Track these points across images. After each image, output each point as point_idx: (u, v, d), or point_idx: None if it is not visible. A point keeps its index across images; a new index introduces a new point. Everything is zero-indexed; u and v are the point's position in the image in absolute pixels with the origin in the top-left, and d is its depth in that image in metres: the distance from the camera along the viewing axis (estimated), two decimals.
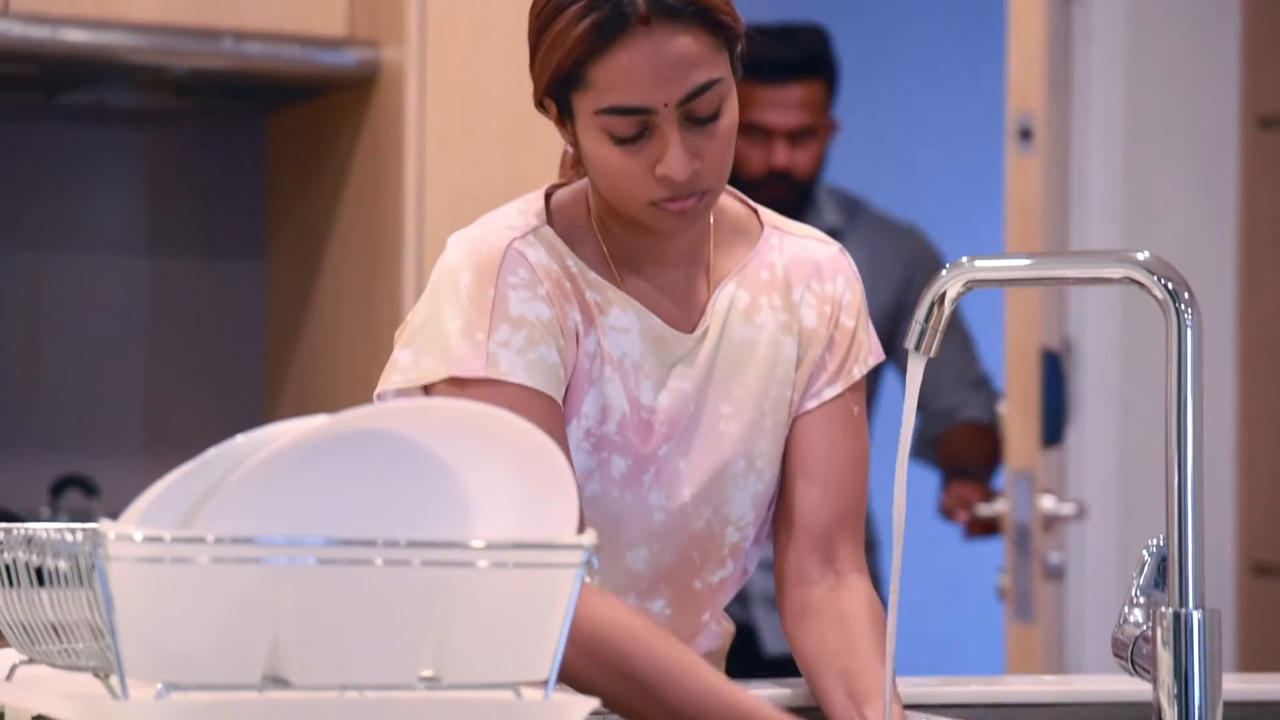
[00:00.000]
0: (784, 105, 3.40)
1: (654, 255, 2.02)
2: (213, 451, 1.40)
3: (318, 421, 1.40)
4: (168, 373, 3.63)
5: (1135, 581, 1.65)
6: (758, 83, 3.38)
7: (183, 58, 3.20)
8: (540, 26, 1.93)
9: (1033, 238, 3.54)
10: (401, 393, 1.97)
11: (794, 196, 3.43)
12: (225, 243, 3.66)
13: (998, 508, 3.48)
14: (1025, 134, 4.00)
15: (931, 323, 1.67)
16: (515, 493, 1.46)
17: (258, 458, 1.39)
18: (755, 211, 2.11)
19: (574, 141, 1.96)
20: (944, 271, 1.67)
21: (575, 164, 2.08)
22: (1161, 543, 1.65)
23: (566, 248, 2.00)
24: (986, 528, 3.48)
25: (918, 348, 1.68)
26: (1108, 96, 4.26)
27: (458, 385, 1.93)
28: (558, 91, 1.93)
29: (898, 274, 3.52)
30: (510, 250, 1.97)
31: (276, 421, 3.62)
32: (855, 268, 2.10)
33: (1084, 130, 4.28)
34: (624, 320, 2.00)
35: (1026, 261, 1.68)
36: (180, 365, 3.64)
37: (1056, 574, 3.57)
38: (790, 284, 2.06)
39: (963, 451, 3.57)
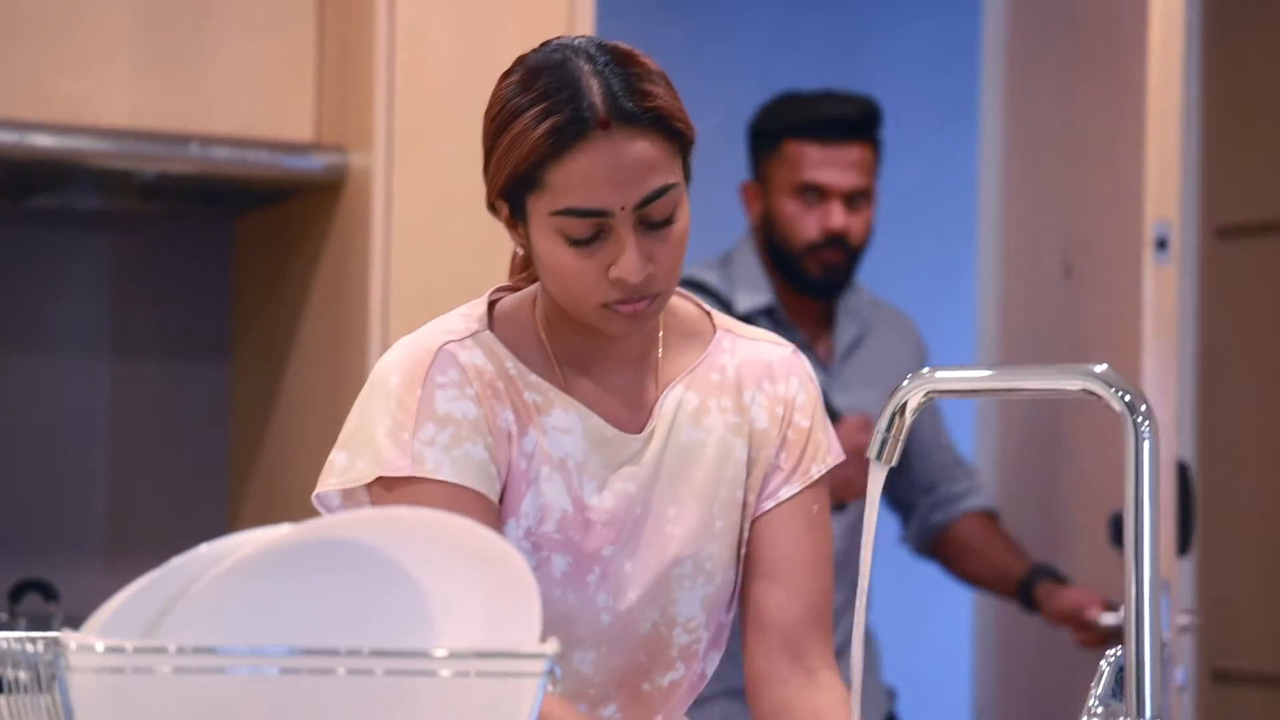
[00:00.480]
0: (842, 165, 3.39)
1: (601, 357, 2.04)
2: (176, 561, 1.41)
3: (281, 531, 1.41)
4: (130, 476, 3.63)
5: (1093, 691, 1.66)
6: (817, 142, 3.40)
7: (150, 162, 3.22)
8: (496, 129, 1.96)
9: (1169, 348, 3.46)
10: (349, 492, 2.00)
11: (848, 261, 3.43)
12: (190, 346, 3.67)
13: (1109, 619, 3.33)
14: (1162, 244, 3.91)
15: (893, 433, 1.68)
16: (478, 600, 1.46)
17: (221, 567, 1.39)
18: (708, 314, 2.12)
19: (525, 243, 1.98)
20: (905, 382, 1.69)
21: (524, 266, 2.10)
22: (1119, 653, 1.65)
23: (507, 351, 2.02)
24: (1103, 639, 3.31)
25: (879, 457, 1.69)
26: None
27: (386, 486, 1.96)
28: (512, 193, 1.95)
29: (911, 357, 3.51)
30: (441, 352, 1.99)
31: (239, 526, 3.63)
32: (810, 369, 2.11)
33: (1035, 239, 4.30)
34: (566, 421, 2.01)
35: (987, 373, 1.70)
36: (143, 469, 3.64)
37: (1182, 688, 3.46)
38: (741, 386, 2.07)
39: (981, 543, 3.51)
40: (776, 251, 3.39)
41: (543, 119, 1.91)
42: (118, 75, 3.27)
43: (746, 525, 2.07)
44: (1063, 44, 3.69)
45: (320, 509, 2.03)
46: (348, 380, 3.24)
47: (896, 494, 3.55)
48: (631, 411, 2.05)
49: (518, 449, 1.99)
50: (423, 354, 1.99)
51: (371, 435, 1.97)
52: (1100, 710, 1.66)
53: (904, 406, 1.68)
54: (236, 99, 3.32)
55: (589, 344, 2.03)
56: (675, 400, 2.05)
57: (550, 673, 1.46)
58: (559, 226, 1.92)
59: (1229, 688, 4.09)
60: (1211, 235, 4.31)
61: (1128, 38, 3.41)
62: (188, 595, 1.39)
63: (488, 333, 2.02)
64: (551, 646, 1.45)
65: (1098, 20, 3.54)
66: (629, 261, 1.92)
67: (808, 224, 3.37)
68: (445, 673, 1.44)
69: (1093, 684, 1.66)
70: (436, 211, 3.19)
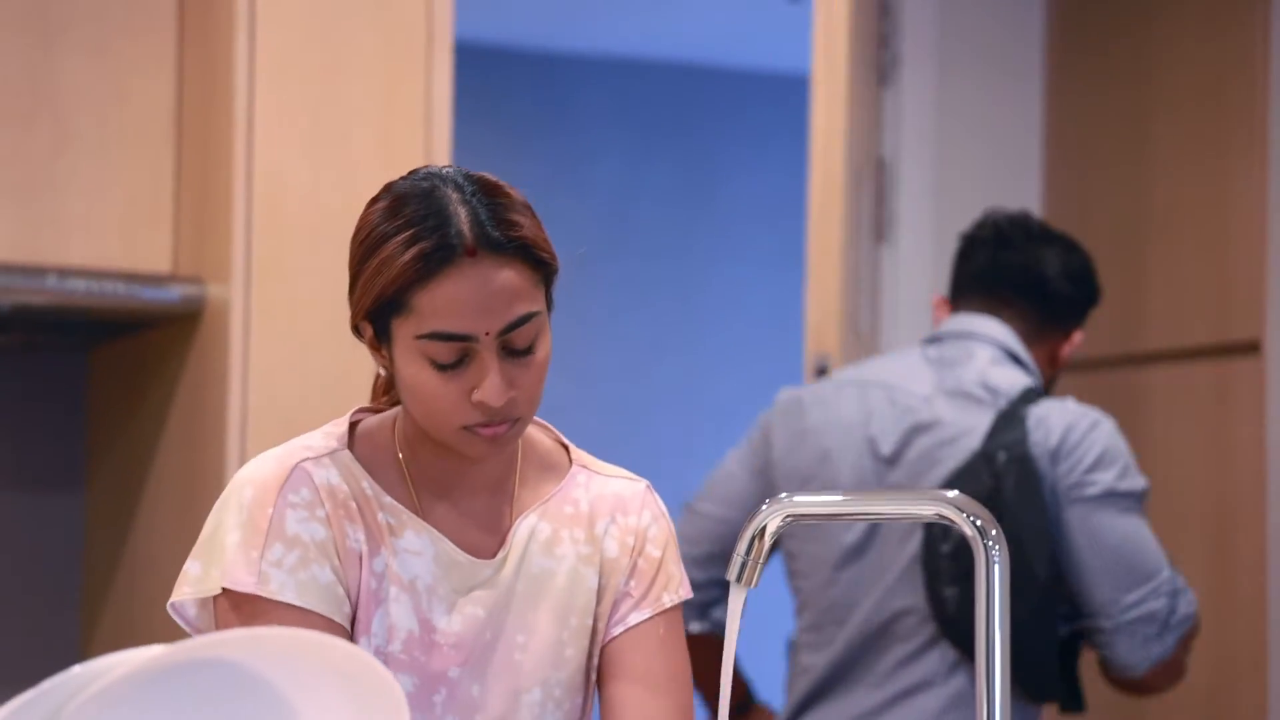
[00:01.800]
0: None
1: (458, 481, 2.07)
2: (49, 682, 1.42)
3: (154, 651, 1.43)
4: None
5: None
6: (1079, 328, 3.39)
7: (6, 294, 3.21)
8: (364, 253, 1.99)
9: None
10: (201, 605, 2.02)
11: None
12: (43, 477, 3.65)
13: None
14: (821, 372, 4.11)
15: (752, 555, 1.73)
16: (349, 715, 1.48)
17: (95, 687, 1.41)
18: (566, 448, 2.17)
19: (388, 365, 2.01)
20: (764, 506, 1.73)
21: (386, 389, 2.14)
22: None
23: (363, 471, 2.05)
24: None
25: (739, 579, 1.73)
26: (914, 336, 4.39)
27: (231, 599, 1.98)
28: (377, 316, 1.99)
29: None
30: (297, 470, 2.02)
31: (91, 655, 3.58)
32: (663, 507, 2.16)
33: None
34: (417, 544, 2.04)
35: (842, 497, 1.76)
36: None
37: None
38: (594, 518, 2.12)
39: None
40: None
41: (410, 245, 1.94)
42: None
43: (596, 652, 2.10)
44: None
45: (176, 618, 2.05)
46: (201, 511, 3.22)
47: None
48: (485, 537, 2.08)
49: (368, 569, 2.02)
50: (278, 470, 2.02)
51: (222, 545, 2.00)
52: None
53: (763, 530, 1.72)
54: (93, 230, 3.34)
55: (447, 467, 2.06)
56: (528, 529, 2.09)
57: None
58: (423, 350, 1.96)
59: None
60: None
61: None
62: (62, 716, 1.40)
63: (346, 452, 2.05)
64: None
65: None
66: (491, 386, 1.96)
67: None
68: None
69: None
70: (294, 342, 3.21)
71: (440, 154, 3.28)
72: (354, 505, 2.02)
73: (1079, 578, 3.17)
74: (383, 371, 2.07)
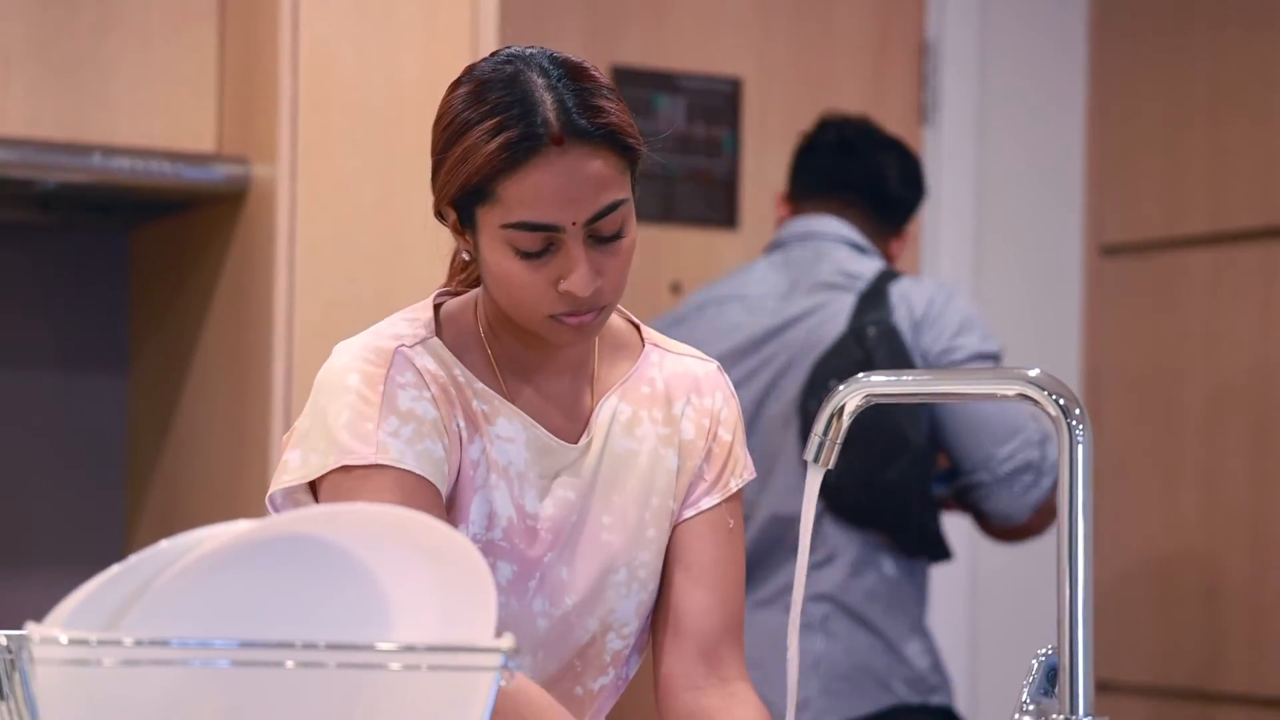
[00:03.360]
0: None
1: (541, 365, 2.05)
2: (136, 557, 1.41)
3: (241, 527, 1.42)
4: (26, 489, 3.59)
5: (1024, 689, 1.69)
6: (908, 226, 3.60)
7: (51, 172, 3.20)
8: (447, 140, 1.96)
9: None
10: (290, 492, 1.99)
11: None
12: (85, 358, 3.64)
13: None
14: (676, 290, 4.14)
15: (830, 435, 1.71)
16: (435, 596, 1.48)
17: (182, 563, 1.40)
18: (637, 327, 2.16)
19: (472, 251, 1.99)
20: (842, 386, 1.72)
21: (463, 268, 2.12)
22: (1051, 651, 1.69)
23: (454, 358, 2.03)
24: None
25: (816, 459, 1.72)
26: (958, 221, 4.37)
27: (347, 473, 1.95)
28: (462, 203, 1.96)
29: None
30: (398, 354, 2.00)
31: (136, 540, 3.60)
32: (731, 387, 2.15)
33: (934, 255, 4.37)
34: (510, 430, 2.02)
35: (925, 376, 1.74)
36: (37, 483, 3.60)
37: None
38: (671, 398, 2.10)
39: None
40: None
41: (495, 134, 1.91)
42: (17, 86, 3.25)
43: (670, 531, 2.10)
44: None
45: (271, 510, 2.02)
46: (250, 393, 3.23)
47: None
48: (569, 420, 2.07)
49: (466, 456, 2.00)
50: (378, 355, 2.00)
51: (328, 430, 1.97)
52: (1032, 708, 1.69)
53: (841, 409, 1.71)
54: (137, 110, 3.31)
55: (530, 352, 2.05)
56: (610, 410, 2.08)
57: (505, 668, 1.47)
58: (509, 239, 1.93)
59: (1111, 698, 4.16)
60: (1096, 253, 4.39)
61: None
62: (149, 591, 1.40)
63: (435, 339, 2.03)
64: (507, 641, 1.47)
65: None
66: (579, 277, 1.93)
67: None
68: (396, 666, 1.45)
69: (1023, 681, 1.70)
70: (341, 222, 3.19)
71: (488, 27, 3.25)
72: (452, 392, 2.01)
73: (955, 439, 3.31)
74: (466, 255, 2.04)
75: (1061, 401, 1.66)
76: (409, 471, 1.95)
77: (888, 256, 3.51)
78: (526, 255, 1.94)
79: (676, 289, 4.15)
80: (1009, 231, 4.38)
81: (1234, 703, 4.08)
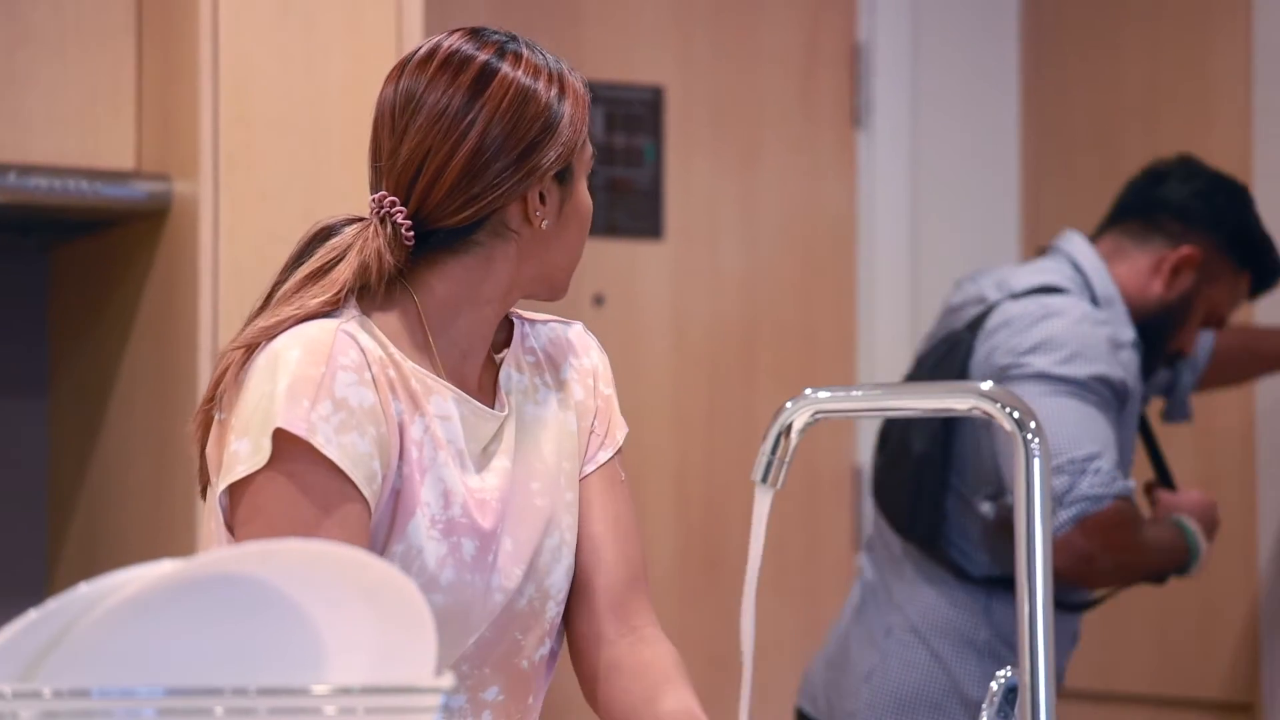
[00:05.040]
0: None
1: (456, 337, 2.06)
2: (54, 602, 1.34)
3: (168, 567, 1.35)
4: None
5: (986, 711, 1.64)
6: (1260, 292, 3.49)
7: None
8: (548, 121, 2.03)
9: None
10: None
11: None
12: (3, 382, 3.56)
13: None
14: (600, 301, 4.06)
15: (778, 455, 1.66)
16: (372, 634, 1.41)
17: (103, 607, 1.33)
18: None
19: (557, 210, 2.07)
20: (789, 404, 1.66)
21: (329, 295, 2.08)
22: (1011, 673, 1.64)
23: (386, 339, 2.02)
24: None
25: (765, 480, 1.67)
26: (894, 224, 4.33)
27: (284, 440, 1.92)
28: (568, 165, 2.06)
29: None
30: (340, 333, 1.98)
31: (59, 566, 3.52)
32: (598, 342, 2.21)
33: (870, 257, 4.34)
34: (445, 407, 2.03)
35: (874, 392, 1.68)
36: None
37: None
38: (556, 363, 2.15)
39: None
40: (1154, 328, 3.38)
41: (579, 85, 2.08)
42: None
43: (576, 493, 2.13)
44: None
45: (220, 510, 1.98)
46: (175, 414, 3.16)
47: None
48: (484, 393, 2.09)
49: (409, 437, 1.99)
50: (321, 334, 1.98)
51: (270, 404, 1.93)
52: None
53: (789, 428, 1.65)
54: (53, 127, 3.23)
55: (469, 337, 2.07)
56: (510, 379, 2.11)
57: (445, 707, 1.41)
58: (588, 166, 2.10)
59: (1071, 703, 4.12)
60: (1033, 253, 4.36)
61: None
62: (68, 638, 1.33)
63: (370, 320, 2.03)
64: (446, 681, 1.41)
65: None
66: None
67: (1193, 340, 3.45)
68: (332, 710, 1.39)
69: (984, 704, 1.65)
70: (266, 238, 3.12)
71: (412, 38, 3.18)
72: (391, 373, 2.00)
73: (996, 458, 3.21)
74: (545, 225, 2.06)
75: (1016, 415, 1.61)
76: (329, 461, 1.92)
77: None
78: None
79: (600, 301, 4.10)
80: (945, 233, 4.35)
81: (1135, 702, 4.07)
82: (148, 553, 3.08)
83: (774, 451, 1.66)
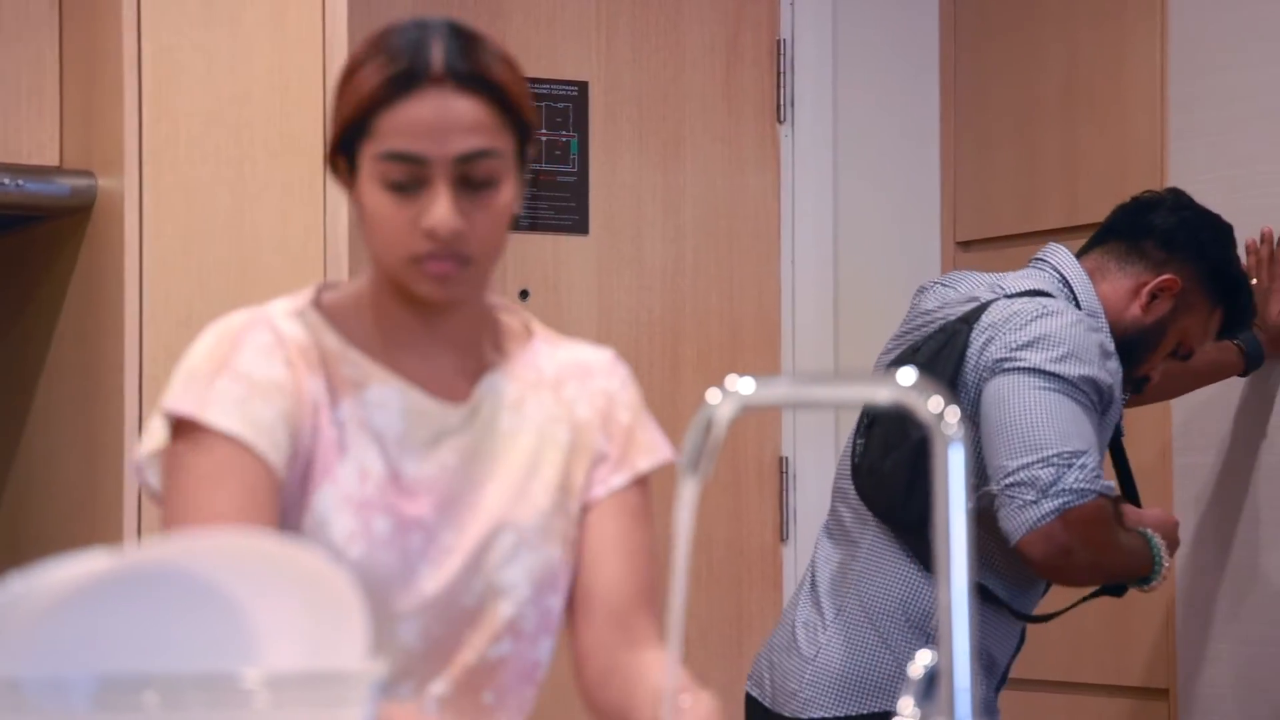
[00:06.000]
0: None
1: (425, 335, 2.08)
2: None
3: (98, 561, 1.36)
4: None
5: (905, 698, 1.67)
6: (1227, 333, 3.52)
7: None
8: (341, 83, 2.02)
9: None
10: (153, 456, 2.02)
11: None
12: None
13: None
14: (524, 295, 4.07)
15: (704, 446, 1.67)
16: (303, 623, 1.43)
17: (36, 601, 1.34)
18: (528, 326, 2.19)
19: (359, 199, 2.02)
20: (713, 393, 1.68)
21: None
22: (934, 659, 1.66)
23: (328, 328, 2.06)
24: None
25: (694, 470, 1.68)
26: (817, 219, 4.36)
27: (172, 422, 1.98)
28: (347, 144, 2.00)
29: None
30: (258, 319, 2.04)
31: None
32: (629, 375, 2.18)
33: (791, 252, 4.37)
34: (384, 395, 2.05)
35: (800, 384, 1.71)
36: None
37: None
38: (561, 383, 2.14)
39: None
40: (1127, 349, 3.40)
41: (383, 70, 1.98)
42: None
43: (573, 508, 2.11)
44: None
45: (139, 480, 2.05)
46: (101, 409, 3.16)
47: None
48: (450, 392, 2.09)
49: (328, 417, 2.02)
50: (239, 321, 2.04)
51: (169, 390, 2.01)
52: (919, 716, 1.67)
53: (714, 420, 1.67)
54: None
55: (414, 320, 2.07)
56: (493, 387, 2.10)
57: (375, 694, 1.43)
58: (381, 172, 1.98)
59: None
60: (954, 247, 4.40)
61: None
62: (0, 630, 1.34)
63: (313, 312, 2.07)
64: (378, 667, 1.42)
65: None
66: (439, 210, 1.96)
67: (1159, 369, 3.49)
68: (264, 697, 1.40)
69: (903, 690, 1.67)
70: (191, 234, 3.13)
71: (337, 33, 3.19)
72: (315, 356, 2.03)
73: (983, 447, 3.22)
74: (353, 206, 2.06)
75: (934, 408, 1.63)
76: (223, 433, 1.96)
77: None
78: (395, 189, 1.98)
79: (525, 295, 4.11)
80: (867, 228, 4.38)
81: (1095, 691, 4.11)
82: (76, 548, 3.08)
83: (700, 443, 1.67)
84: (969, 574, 1.64)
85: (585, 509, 2.11)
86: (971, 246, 4.36)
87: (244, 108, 3.16)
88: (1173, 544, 3.39)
